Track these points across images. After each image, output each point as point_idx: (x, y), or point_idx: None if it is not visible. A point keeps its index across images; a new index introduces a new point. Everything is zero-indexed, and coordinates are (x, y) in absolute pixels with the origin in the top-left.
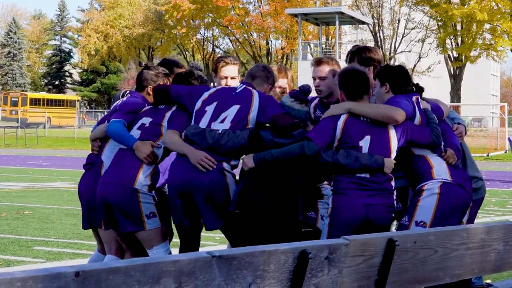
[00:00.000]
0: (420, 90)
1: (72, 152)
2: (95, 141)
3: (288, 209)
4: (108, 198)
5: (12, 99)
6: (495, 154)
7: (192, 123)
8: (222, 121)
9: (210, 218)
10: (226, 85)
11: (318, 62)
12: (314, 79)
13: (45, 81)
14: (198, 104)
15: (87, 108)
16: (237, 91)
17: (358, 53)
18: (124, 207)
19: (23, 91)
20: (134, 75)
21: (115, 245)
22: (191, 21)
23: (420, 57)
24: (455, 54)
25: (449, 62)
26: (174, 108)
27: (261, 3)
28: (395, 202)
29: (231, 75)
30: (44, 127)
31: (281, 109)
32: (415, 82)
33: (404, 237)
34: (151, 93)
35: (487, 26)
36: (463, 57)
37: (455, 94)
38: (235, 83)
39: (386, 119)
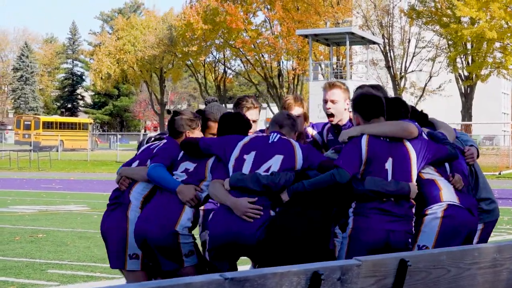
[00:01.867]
0: (424, 116)
1: (85, 175)
2: (124, 178)
3: (320, 238)
4: (148, 238)
5: (25, 122)
6: (507, 172)
7: (231, 172)
8: (267, 171)
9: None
10: None
11: (330, 86)
12: (326, 101)
13: (58, 104)
14: (235, 153)
15: (99, 131)
16: (274, 140)
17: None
18: (164, 248)
19: (35, 114)
20: (145, 98)
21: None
22: (203, 43)
23: (431, 76)
24: (466, 73)
25: (459, 80)
26: (214, 156)
27: (273, 23)
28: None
29: (253, 119)
30: (57, 150)
31: (321, 154)
32: (419, 109)
33: (416, 257)
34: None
35: (497, 44)
36: (473, 75)
37: (466, 112)
38: (255, 126)
39: (401, 132)
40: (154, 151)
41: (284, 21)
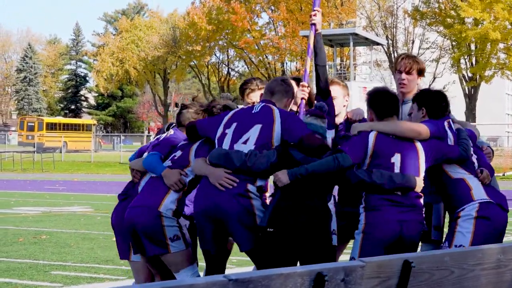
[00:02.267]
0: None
1: (89, 176)
2: (134, 171)
3: (321, 229)
4: (134, 221)
5: (29, 124)
6: (511, 173)
7: (216, 146)
8: (245, 142)
9: (242, 239)
10: None
11: (329, 82)
12: None
13: (61, 105)
14: (219, 131)
15: (103, 132)
16: (257, 110)
17: None
18: (148, 230)
19: (39, 115)
20: (149, 99)
21: (143, 275)
22: (207, 43)
23: (434, 77)
24: (470, 74)
25: (463, 82)
26: (199, 141)
27: (277, 24)
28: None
29: (258, 101)
30: (61, 152)
31: (304, 125)
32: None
33: (420, 258)
34: None
35: (501, 45)
36: (477, 76)
37: (470, 113)
38: None
39: (409, 133)
40: (159, 140)
41: (288, 22)
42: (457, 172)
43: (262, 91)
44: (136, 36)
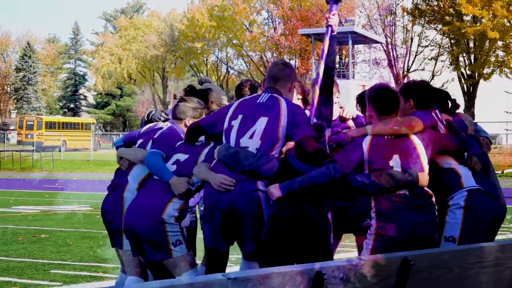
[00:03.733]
0: (455, 107)
1: (88, 175)
2: (123, 159)
3: (319, 239)
4: (135, 226)
5: (28, 122)
6: (510, 171)
7: (223, 142)
8: (251, 137)
9: (249, 238)
10: None
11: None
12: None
13: (60, 104)
14: (225, 123)
15: (102, 131)
16: (263, 100)
17: None
18: (150, 237)
19: (38, 114)
20: (148, 98)
21: (135, 267)
22: (206, 41)
23: (433, 75)
24: (468, 72)
25: (462, 79)
26: (212, 145)
27: (276, 22)
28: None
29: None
30: (60, 150)
31: (308, 124)
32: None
33: (419, 257)
34: (188, 125)
35: (499, 43)
36: (476, 74)
37: (469, 111)
38: None
39: (404, 130)
40: (156, 135)
41: (288, 19)
42: (447, 162)
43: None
44: (134, 35)
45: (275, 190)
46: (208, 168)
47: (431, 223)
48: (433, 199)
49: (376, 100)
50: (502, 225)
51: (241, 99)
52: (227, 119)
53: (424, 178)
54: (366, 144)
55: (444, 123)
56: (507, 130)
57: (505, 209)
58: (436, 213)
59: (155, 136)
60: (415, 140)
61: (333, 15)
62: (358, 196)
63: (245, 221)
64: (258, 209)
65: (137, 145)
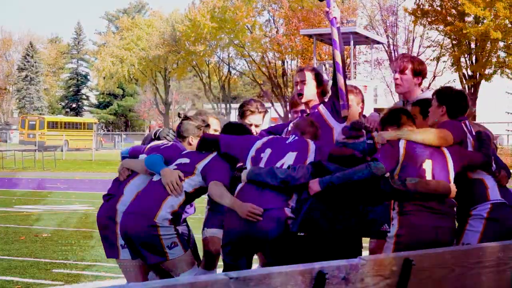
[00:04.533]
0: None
1: (90, 175)
2: (124, 169)
3: (351, 237)
4: (129, 231)
5: (30, 122)
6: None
7: (249, 167)
8: (280, 167)
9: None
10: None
11: (300, 69)
12: (296, 83)
13: (62, 104)
14: (252, 153)
15: (104, 131)
16: (291, 141)
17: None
18: (144, 240)
19: (40, 114)
20: (150, 97)
21: (134, 274)
22: (208, 42)
23: (434, 76)
24: (470, 72)
25: (463, 80)
26: (215, 154)
27: (278, 23)
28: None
29: (256, 123)
30: (62, 150)
31: (335, 145)
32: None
33: (420, 257)
34: (192, 143)
35: (501, 44)
36: (477, 75)
37: (470, 112)
38: (258, 130)
39: (436, 141)
40: (160, 148)
41: (289, 19)
42: (476, 173)
43: (262, 115)
44: (137, 35)
45: (314, 185)
46: (230, 195)
47: (451, 229)
48: (455, 209)
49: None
50: None
51: (271, 137)
52: (253, 151)
53: (453, 189)
54: (402, 145)
55: (473, 134)
56: (508, 130)
57: None
58: (456, 223)
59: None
60: (445, 151)
61: (334, 7)
62: (385, 200)
63: (273, 247)
64: (288, 235)
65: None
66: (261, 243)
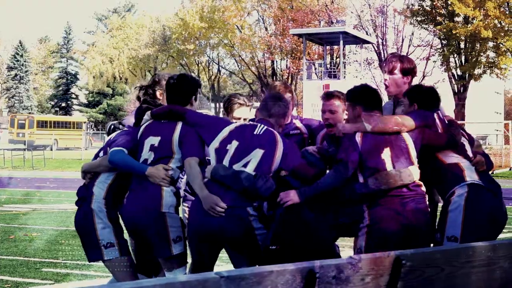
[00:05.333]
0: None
1: (79, 174)
2: (86, 173)
3: (324, 242)
4: (137, 223)
5: (19, 121)
6: (500, 171)
7: (214, 162)
8: (245, 166)
9: (238, 261)
10: None
11: (328, 96)
12: (324, 112)
13: (52, 103)
14: (216, 142)
15: (93, 130)
16: (259, 132)
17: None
18: (153, 232)
19: (30, 113)
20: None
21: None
22: (197, 42)
23: (424, 76)
24: (459, 72)
25: (453, 80)
26: (181, 124)
27: (268, 23)
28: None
29: (244, 117)
30: (51, 149)
31: (299, 155)
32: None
33: (410, 256)
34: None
35: (490, 44)
36: (467, 75)
37: (459, 112)
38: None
39: (393, 128)
40: (113, 137)
41: (278, 19)
42: (451, 157)
43: (249, 108)
44: (126, 35)
45: (294, 196)
46: (202, 182)
47: (422, 211)
48: (423, 188)
49: (363, 97)
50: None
51: (238, 124)
52: (219, 138)
53: (415, 172)
54: (358, 138)
55: (446, 122)
56: (497, 130)
57: (506, 211)
58: (427, 202)
59: (111, 140)
60: (405, 135)
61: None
62: (354, 205)
63: (236, 245)
64: (250, 236)
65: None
66: (220, 239)
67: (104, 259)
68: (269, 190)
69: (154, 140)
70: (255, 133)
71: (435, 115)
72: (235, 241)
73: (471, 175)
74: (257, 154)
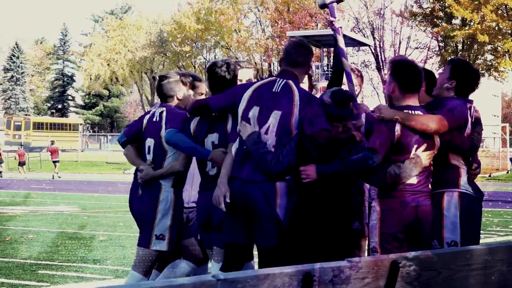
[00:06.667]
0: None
1: (76, 176)
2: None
3: (341, 232)
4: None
5: (16, 123)
6: (497, 174)
7: (242, 127)
8: (266, 133)
9: (263, 235)
10: None
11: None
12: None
13: (48, 105)
14: (241, 107)
15: (90, 132)
16: (277, 90)
17: None
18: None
19: (26, 115)
20: (136, 99)
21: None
22: (194, 44)
23: None
24: None
25: None
26: (230, 120)
27: (265, 25)
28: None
29: (246, 78)
30: (47, 151)
31: (320, 118)
32: None
33: (407, 259)
34: (180, 98)
35: (488, 46)
36: None
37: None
38: None
39: (428, 130)
40: (163, 118)
41: (276, 21)
42: (456, 160)
43: (250, 70)
44: (123, 36)
45: (312, 172)
46: (227, 171)
47: (430, 207)
48: (430, 186)
49: (401, 75)
50: (489, 229)
51: (257, 84)
52: (242, 108)
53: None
54: (398, 128)
55: (472, 120)
56: (494, 133)
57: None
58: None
59: (161, 123)
60: (436, 138)
61: (338, 18)
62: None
63: (260, 215)
64: (270, 203)
65: (147, 143)
66: (250, 209)
67: (151, 248)
68: (283, 168)
69: (214, 137)
70: (273, 90)
71: (468, 113)
72: (260, 207)
73: (464, 185)
74: (275, 118)
